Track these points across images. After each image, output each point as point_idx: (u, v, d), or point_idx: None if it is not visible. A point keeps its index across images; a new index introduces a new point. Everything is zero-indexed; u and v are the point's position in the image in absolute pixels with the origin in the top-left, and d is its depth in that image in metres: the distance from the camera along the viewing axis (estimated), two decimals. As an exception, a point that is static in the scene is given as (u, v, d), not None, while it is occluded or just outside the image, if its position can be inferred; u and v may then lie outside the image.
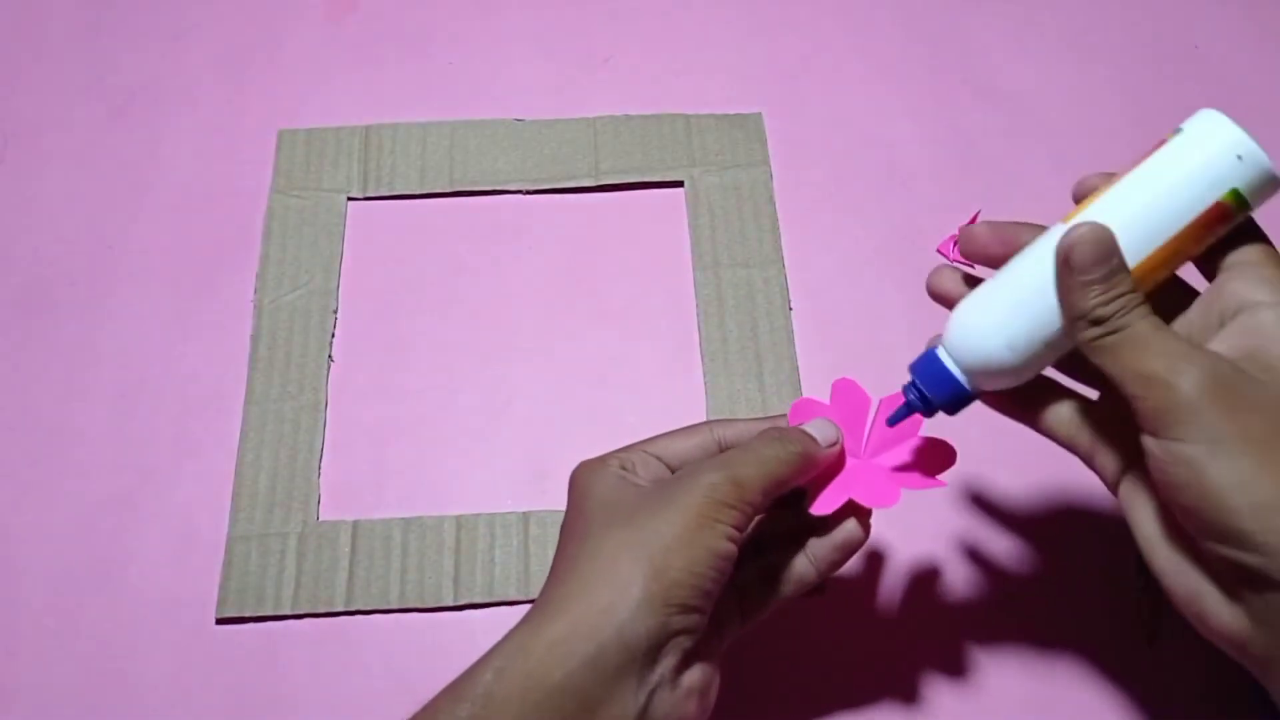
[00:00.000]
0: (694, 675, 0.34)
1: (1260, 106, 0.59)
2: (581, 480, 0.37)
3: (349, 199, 0.55)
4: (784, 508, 0.39)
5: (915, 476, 0.38)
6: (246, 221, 0.54)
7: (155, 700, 0.43)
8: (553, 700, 0.31)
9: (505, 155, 0.56)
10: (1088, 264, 0.31)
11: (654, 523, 0.33)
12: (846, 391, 0.39)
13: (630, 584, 0.32)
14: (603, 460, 0.37)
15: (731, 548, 0.34)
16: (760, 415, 0.43)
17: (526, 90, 0.59)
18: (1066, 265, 0.31)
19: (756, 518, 0.36)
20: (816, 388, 0.50)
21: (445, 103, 0.58)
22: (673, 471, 0.38)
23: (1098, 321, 0.31)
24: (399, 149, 0.56)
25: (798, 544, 0.38)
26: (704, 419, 0.40)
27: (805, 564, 0.37)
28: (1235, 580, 0.30)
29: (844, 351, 0.51)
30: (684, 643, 0.33)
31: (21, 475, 0.48)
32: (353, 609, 0.45)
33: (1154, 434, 0.30)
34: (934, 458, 0.38)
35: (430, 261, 0.54)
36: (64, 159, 0.57)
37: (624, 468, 0.37)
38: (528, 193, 0.56)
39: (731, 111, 0.58)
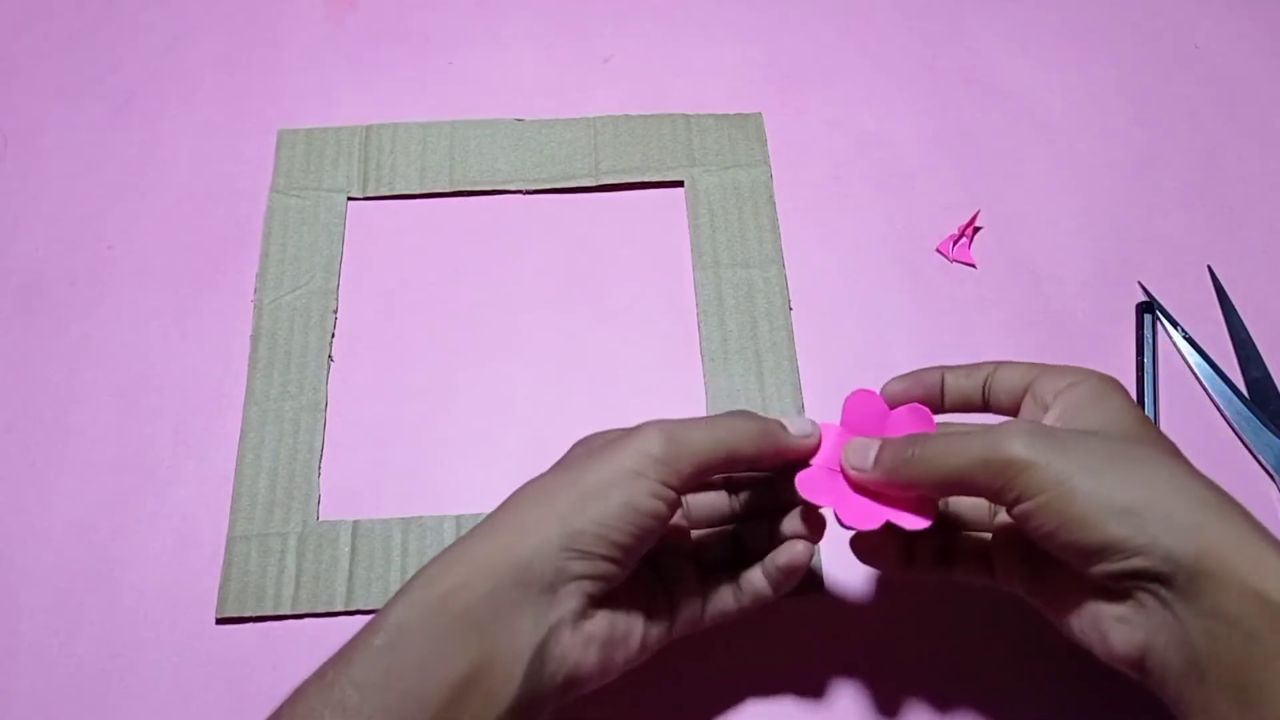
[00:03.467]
0: (599, 623, 0.35)
1: (1260, 106, 0.59)
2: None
3: (349, 199, 0.55)
4: (759, 517, 0.40)
5: None
6: (246, 221, 0.54)
7: (155, 700, 0.43)
8: (454, 628, 0.33)
9: (505, 155, 0.56)
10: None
11: (576, 473, 0.35)
12: (862, 403, 0.38)
13: (535, 528, 0.34)
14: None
15: (657, 504, 0.35)
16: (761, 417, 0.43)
17: (526, 90, 0.59)
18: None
19: (728, 508, 0.40)
20: (816, 387, 0.50)
21: (445, 103, 0.58)
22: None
23: None
24: (399, 149, 0.56)
25: (759, 556, 0.39)
26: (704, 417, 0.41)
27: (761, 578, 0.39)
28: (1129, 593, 0.32)
29: (844, 351, 0.51)
30: (586, 587, 0.35)
31: (21, 475, 0.48)
32: (353, 609, 0.45)
33: (1016, 503, 0.33)
34: None
35: (430, 261, 0.54)
36: (64, 159, 0.57)
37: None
38: (528, 193, 0.56)
39: (731, 111, 0.58)
